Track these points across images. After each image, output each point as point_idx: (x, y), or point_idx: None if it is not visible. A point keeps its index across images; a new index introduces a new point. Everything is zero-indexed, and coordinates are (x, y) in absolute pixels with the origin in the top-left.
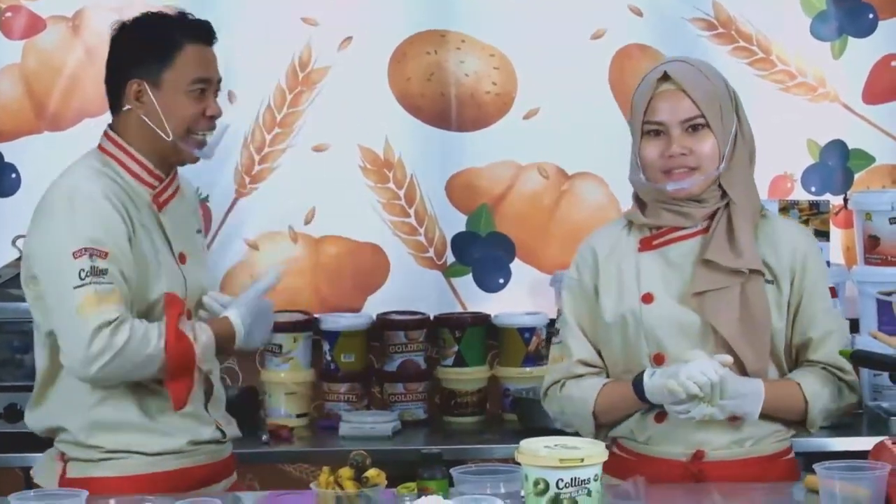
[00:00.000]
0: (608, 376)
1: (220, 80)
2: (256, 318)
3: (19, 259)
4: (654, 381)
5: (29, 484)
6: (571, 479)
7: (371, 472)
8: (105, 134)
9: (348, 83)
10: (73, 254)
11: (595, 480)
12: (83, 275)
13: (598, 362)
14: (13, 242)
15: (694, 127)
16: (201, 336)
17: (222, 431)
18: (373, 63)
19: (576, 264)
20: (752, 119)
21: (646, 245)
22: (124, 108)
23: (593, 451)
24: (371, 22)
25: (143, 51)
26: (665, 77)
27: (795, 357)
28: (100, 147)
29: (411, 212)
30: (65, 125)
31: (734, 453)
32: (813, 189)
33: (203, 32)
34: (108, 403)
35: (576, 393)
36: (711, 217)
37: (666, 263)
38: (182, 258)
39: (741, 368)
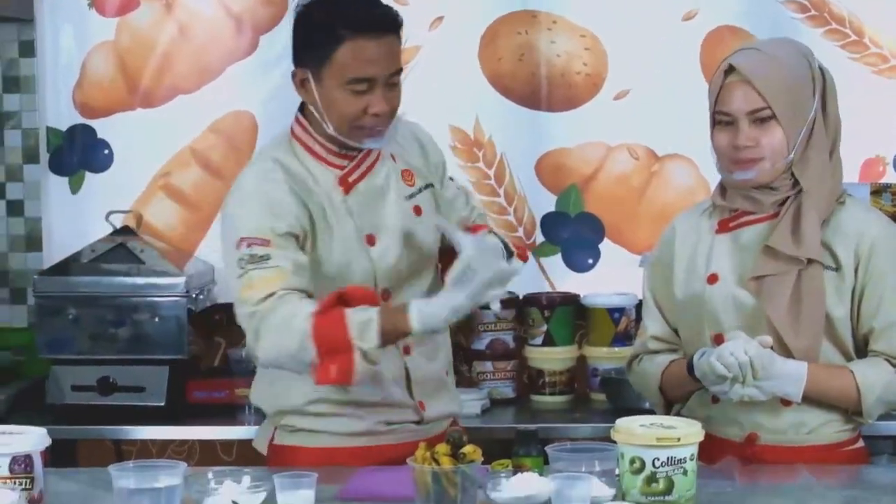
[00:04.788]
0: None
1: (396, 72)
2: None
3: (112, 234)
4: (699, 362)
5: (120, 455)
6: (668, 459)
7: (468, 449)
8: (296, 115)
9: (439, 63)
10: (236, 244)
11: (691, 460)
12: (242, 264)
13: (673, 338)
14: (106, 217)
15: (761, 119)
16: (359, 314)
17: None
18: (463, 43)
19: (659, 242)
20: (844, 102)
21: (723, 227)
22: None
23: (690, 431)
24: (462, 2)
25: (306, 41)
26: (732, 67)
27: (864, 347)
28: (291, 128)
29: (501, 191)
30: (157, 102)
31: (789, 439)
32: None
33: (369, 23)
34: (297, 389)
35: (648, 368)
36: (784, 203)
37: (737, 246)
38: (370, 240)
39: (788, 354)
